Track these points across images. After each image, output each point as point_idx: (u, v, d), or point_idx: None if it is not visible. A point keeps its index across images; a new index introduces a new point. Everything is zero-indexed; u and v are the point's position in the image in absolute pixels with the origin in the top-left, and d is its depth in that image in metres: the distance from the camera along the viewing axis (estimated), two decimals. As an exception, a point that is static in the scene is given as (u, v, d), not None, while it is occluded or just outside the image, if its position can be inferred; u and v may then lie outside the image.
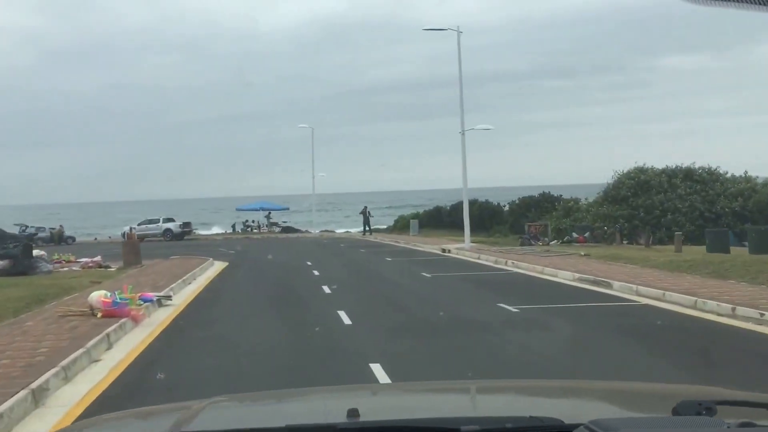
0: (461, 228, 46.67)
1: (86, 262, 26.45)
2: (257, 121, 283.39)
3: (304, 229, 67.41)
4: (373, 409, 2.65)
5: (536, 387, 3.54)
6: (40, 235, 58.95)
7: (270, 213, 65.66)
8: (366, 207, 51.20)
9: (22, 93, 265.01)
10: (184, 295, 18.15)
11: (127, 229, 62.22)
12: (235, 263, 29.31)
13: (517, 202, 44.98)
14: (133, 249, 26.15)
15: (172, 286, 18.56)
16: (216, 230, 72.75)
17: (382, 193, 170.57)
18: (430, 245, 37.02)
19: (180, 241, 58.59)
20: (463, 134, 31.72)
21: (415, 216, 49.88)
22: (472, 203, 47.96)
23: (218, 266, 27.46)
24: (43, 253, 30.38)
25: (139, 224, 60.78)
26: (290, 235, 59.97)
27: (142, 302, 15.01)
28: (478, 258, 28.60)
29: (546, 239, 34.36)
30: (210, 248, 43.25)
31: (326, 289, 18.75)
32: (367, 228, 50.21)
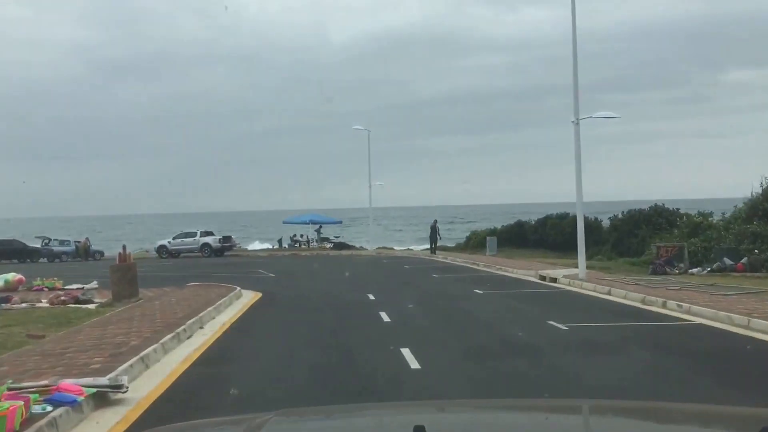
0: (550, 248, 38.33)
1: (56, 295, 18.73)
2: (311, 134, 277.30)
3: (358, 245, 59.49)
4: (439, 427, 2.57)
5: (615, 408, 3.20)
6: (64, 249, 52.29)
7: (321, 227, 57.94)
8: (436, 221, 42.86)
9: (77, 104, 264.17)
10: (159, 375, 10.02)
11: (161, 242, 55.40)
12: (270, 295, 21.32)
13: (620, 216, 36.17)
14: (125, 276, 18.37)
15: (146, 352, 10.60)
16: (261, 245, 65.32)
17: (441, 207, 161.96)
18: (521, 270, 28.60)
19: (219, 258, 51.36)
20: (578, 123, 23.39)
21: (492, 232, 41.54)
22: (562, 218, 39.40)
23: (245, 301, 19.50)
24: (19, 277, 22.94)
25: (174, 238, 53.69)
26: (343, 252, 52.08)
27: (41, 408, 7.17)
28: (608, 293, 20.08)
29: (682, 265, 25.64)
30: (248, 268, 35.59)
31: (410, 359, 10.55)
32: (434, 246, 41.92)
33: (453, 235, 66.45)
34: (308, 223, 58.60)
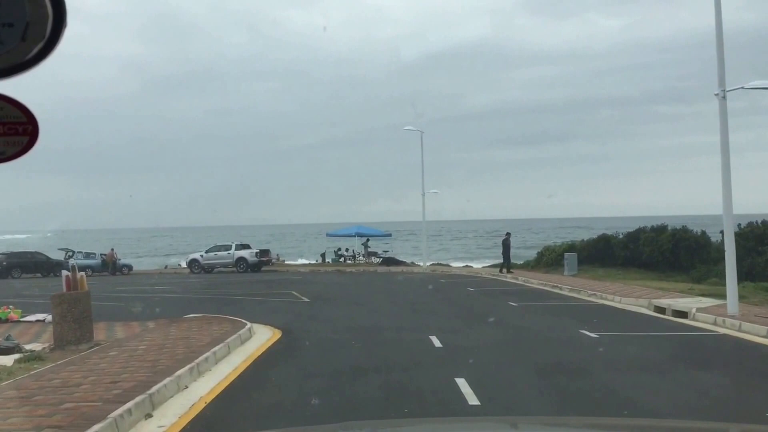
0: (643, 266, 31.22)
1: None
2: (357, 146, 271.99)
3: (409, 261, 52.80)
4: None
5: (671, 428, 2.97)
6: (89, 262, 46.74)
7: (368, 240, 51.48)
8: (509, 235, 35.74)
9: (128, 120, 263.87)
10: None
11: (193, 256, 49.59)
12: (292, 336, 14.67)
13: (739, 230, 28.70)
14: (71, 311, 12.02)
15: None
16: (304, 260, 59.08)
17: (493, 221, 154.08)
18: (625, 298, 21.55)
19: (255, 273, 45.28)
20: (724, 97, 16.39)
21: (570, 248, 34.44)
22: (659, 231, 32.08)
23: (251, 349, 12.88)
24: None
25: (207, 251, 47.79)
26: (392, 268, 45.47)
27: None
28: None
29: None
30: (282, 288, 29.28)
31: None
32: (507, 263, 34.65)
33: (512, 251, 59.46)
34: (354, 236, 52.14)
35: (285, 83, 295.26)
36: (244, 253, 46.73)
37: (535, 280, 29.92)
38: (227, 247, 47.37)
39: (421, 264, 46.92)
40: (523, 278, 31.45)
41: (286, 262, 54.99)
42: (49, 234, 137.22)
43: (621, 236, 32.69)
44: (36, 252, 48.21)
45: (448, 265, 48.09)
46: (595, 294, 23.32)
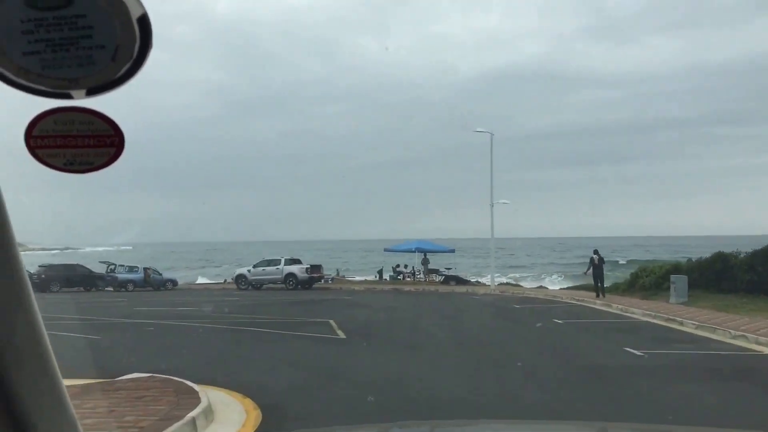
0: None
1: None
2: (420, 165, 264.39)
3: (473, 279, 45.27)
4: None
5: None
6: (130, 276, 41.04)
7: (426, 255, 44.21)
8: (598, 252, 27.92)
9: (208, 141, 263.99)
10: None
11: (240, 271, 43.27)
12: (279, 424, 7.83)
13: None
14: None
15: None
16: (363, 277, 52.18)
17: (548, 239, 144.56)
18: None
19: (306, 290, 38.68)
20: None
21: (675, 269, 26.43)
22: (717, 259, 23.79)
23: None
24: None
25: (255, 266, 41.36)
26: (456, 288, 38.16)
27: None
28: None
29: None
30: (322, 312, 22.47)
31: None
32: (600, 285, 26.83)
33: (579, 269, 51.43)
34: (414, 251, 44.99)
35: (354, 106, 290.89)
36: (293, 268, 40.18)
37: (638, 310, 22.11)
38: (276, 262, 40.86)
39: (488, 283, 39.40)
40: (619, 306, 23.65)
41: (346, 278, 48.30)
42: (122, 247, 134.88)
43: (742, 255, 24.53)
44: (77, 264, 42.73)
45: (518, 285, 40.40)
46: (743, 336, 15.55)
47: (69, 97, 0.92)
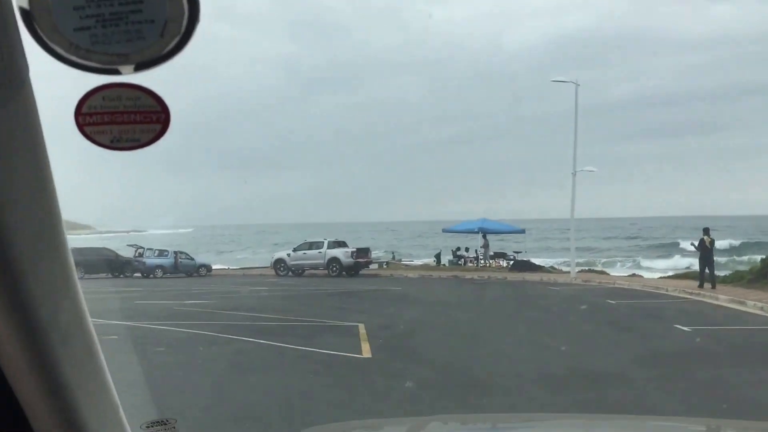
0: None
1: None
2: (495, 140, 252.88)
3: (547, 265, 38.81)
4: None
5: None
6: (160, 261, 36.34)
7: (486, 237, 37.73)
8: (708, 233, 21.33)
9: (280, 116, 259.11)
10: None
11: (278, 255, 37.89)
12: None
13: None
14: None
15: None
16: (419, 260, 46.18)
17: (627, 219, 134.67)
18: None
19: (351, 277, 33.24)
20: None
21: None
22: None
23: None
24: None
25: (295, 249, 35.97)
26: (527, 275, 31.90)
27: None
28: None
29: None
30: (356, 309, 16.95)
31: None
32: (709, 273, 20.60)
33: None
34: (477, 232, 38.76)
35: (423, 78, 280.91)
36: (337, 252, 34.65)
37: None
38: (318, 245, 35.36)
39: (568, 270, 32.99)
40: (752, 302, 17.08)
41: (402, 262, 42.59)
42: (182, 230, 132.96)
43: None
44: (104, 248, 38.31)
45: (603, 273, 33.72)
46: None
47: (117, 72, 0.90)
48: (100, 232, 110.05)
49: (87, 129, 0.99)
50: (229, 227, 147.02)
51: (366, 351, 10.81)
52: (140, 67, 0.90)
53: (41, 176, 0.95)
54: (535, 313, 17.41)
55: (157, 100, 1.02)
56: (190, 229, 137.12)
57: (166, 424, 1.79)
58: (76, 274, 1.06)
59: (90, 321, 1.10)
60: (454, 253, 39.18)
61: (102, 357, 1.15)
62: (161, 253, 37.16)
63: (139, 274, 35.44)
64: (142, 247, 37.06)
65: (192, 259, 37.86)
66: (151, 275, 35.23)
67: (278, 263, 35.69)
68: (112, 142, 1.01)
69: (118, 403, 1.22)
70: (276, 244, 64.17)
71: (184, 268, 36.38)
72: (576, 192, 31.22)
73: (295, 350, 10.96)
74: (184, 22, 0.87)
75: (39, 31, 0.86)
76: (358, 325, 13.99)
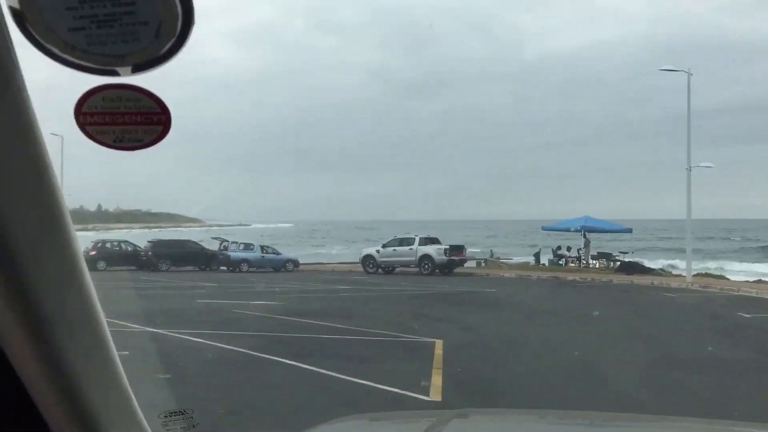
0: None
1: None
2: (585, 145, 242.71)
3: (657, 267, 34.41)
4: None
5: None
6: (246, 255, 34.78)
7: (587, 236, 33.64)
8: None
9: (367, 122, 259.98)
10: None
11: (367, 251, 35.47)
12: None
13: None
14: None
15: None
16: (518, 258, 42.56)
17: (732, 220, 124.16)
18: None
19: (444, 276, 30.52)
20: None
21: None
22: None
23: None
24: None
25: (384, 246, 33.49)
26: (635, 279, 27.97)
27: None
28: None
29: None
30: (447, 315, 14.26)
31: None
32: None
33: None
34: (579, 231, 34.85)
35: (516, 85, 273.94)
36: (429, 249, 31.91)
37: None
38: (409, 241, 32.76)
39: (680, 273, 28.67)
40: None
41: (501, 260, 39.35)
42: (281, 225, 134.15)
43: None
44: (189, 241, 37.22)
45: (723, 278, 29.17)
46: None
47: (115, 74, 0.90)
48: (209, 226, 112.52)
49: (89, 128, 0.98)
50: (327, 223, 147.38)
51: (435, 389, 7.97)
52: (138, 68, 0.89)
53: (40, 171, 0.92)
54: (654, 327, 13.97)
55: (157, 102, 1.00)
56: (290, 225, 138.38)
57: (183, 414, 1.77)
58: (84, 266, 1.04)
59: (101, 313, 1.08)
60: (554, 252, 35.51)
61: (113, 349, 1.13)
62: (247, 246, 35.56)
63: (225, 268, 34.05)
64: (227, 240, 35.60)
65: (279, 253, 36.14)
66: (237, 269, 33.72)
67: (367, 260, 33.32)
68: (114, 141, 1.00)
69: (131, 394, 1.21)
70: (367, 240, 62.09)
71: (271, 263, 34.67)
72: (689, 190, 27.03)
73: (337, 381, 8.31)
74: (179, 24, 0.86)
75: (32, 31, 0.85)
76: (434, 342, 11.20)
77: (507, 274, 31.58)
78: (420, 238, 32.59)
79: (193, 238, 38.79)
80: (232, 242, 35.37)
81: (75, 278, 1.03)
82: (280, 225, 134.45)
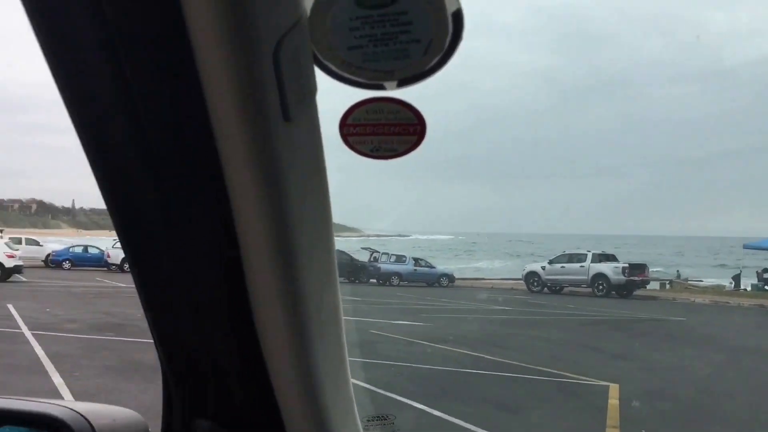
0: None
1: None
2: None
3: None
4: None
5: None
6: (397, 267, 33.02)
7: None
8: None
9: (538, 127, 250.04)
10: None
11: (531, 267, 32.28)
12: None
13: None
14: None
15: None
16: (710, 280, 37.08)
17: None
18: None
19: (622, 299, 26.85)
20: None
21: None
22: None
23: None
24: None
25: (551, 262, 30.24)
26: None
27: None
28: None
29: None
30: (626, 350, 11.31)
31: None
32: None
33: None
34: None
35: (700, 88, 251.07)
36: (604, 267, 28.29)
37: None
38: (580, 258, 29.32)
39: None
40: None
41: (689, 282, 34.68)
42: (440, 236, 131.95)
43: None
44: (337, 250, 36.01)
45: None
46: None
47: (382, 88, 0.96)
48: (367, 235, 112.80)
49: (350, 139, 1.05)
50: (483, 235, 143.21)
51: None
52: (403, 82, 0.93)
53: (320, 182, 1.02)
54: None
55: (414, 113, 1.05)
56: (450, 236, 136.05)
57: (385, 419, 1.88)
58: (337, 270, 1.10)
59: (343, 318, 1.14)
60: (760, 276, 30.17)
61: (346, 353, 1.19)
62: (399, 258, 33.73)
63: (374, 281, 32.42)
64: (377, 251, 34.03)
65: (433, 267, 33.97)
66: (387, 283, 31.92)
67: (530, 277, 30.29)
68: (371, 151, 1.05)
69: (354, 397, 1.26)
70: (531, 255, 58.09)
71: (424, 277, 32.54)
72: None
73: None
74: (447, 41, 0.88)
75: (314, 48, 0.92)
76: (609, 387, 8.47)
77: (698, 299, 27.13)
78: (593, 255, 29.03)
79: (346, 248, 37.69)
80: (383, 253, 33.73)
81: (331, 280, 1.09)
82: (438, 237, 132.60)
